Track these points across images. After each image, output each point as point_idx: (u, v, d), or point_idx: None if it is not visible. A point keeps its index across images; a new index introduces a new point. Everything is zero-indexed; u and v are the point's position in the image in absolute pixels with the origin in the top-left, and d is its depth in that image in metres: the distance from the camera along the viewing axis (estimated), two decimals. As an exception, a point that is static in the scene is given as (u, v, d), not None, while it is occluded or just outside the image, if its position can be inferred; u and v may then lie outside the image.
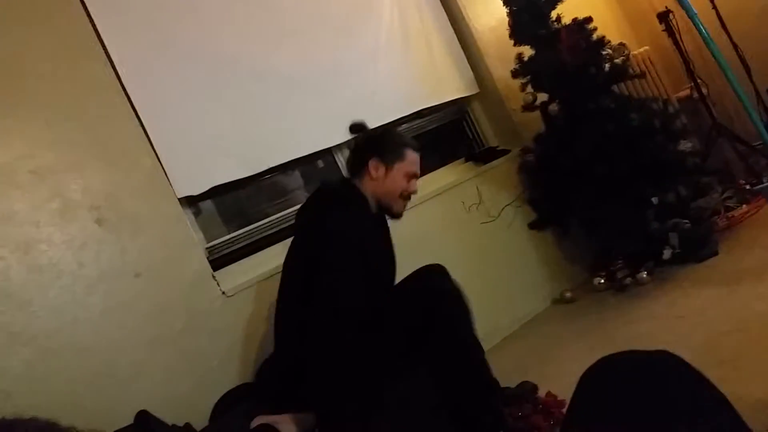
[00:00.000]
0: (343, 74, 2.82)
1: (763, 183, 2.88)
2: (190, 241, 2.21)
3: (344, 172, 2.86)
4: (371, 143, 1.93)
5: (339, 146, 2.82)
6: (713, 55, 2.70)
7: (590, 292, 2.91)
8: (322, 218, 1.74)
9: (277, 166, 2.59)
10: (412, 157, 1.91)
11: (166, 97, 2.35)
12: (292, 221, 2.60)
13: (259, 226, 2.57)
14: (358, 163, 1.91)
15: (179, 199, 2.26)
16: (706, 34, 2.62)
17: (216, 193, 2.46)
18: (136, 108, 2.25)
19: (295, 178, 2.89)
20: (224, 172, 2.42)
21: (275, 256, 2.34)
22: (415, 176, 1.93)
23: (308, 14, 2.79)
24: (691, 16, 2.45)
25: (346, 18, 2.89)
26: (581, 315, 2.73)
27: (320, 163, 2.94)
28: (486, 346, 1.87)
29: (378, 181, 1.86)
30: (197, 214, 2.46)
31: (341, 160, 2.86)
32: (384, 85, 2.95)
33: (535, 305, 2.99)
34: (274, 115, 2.59)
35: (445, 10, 3.28)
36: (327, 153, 2.82)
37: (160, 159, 2.25)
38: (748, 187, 3.15)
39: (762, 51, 3.28)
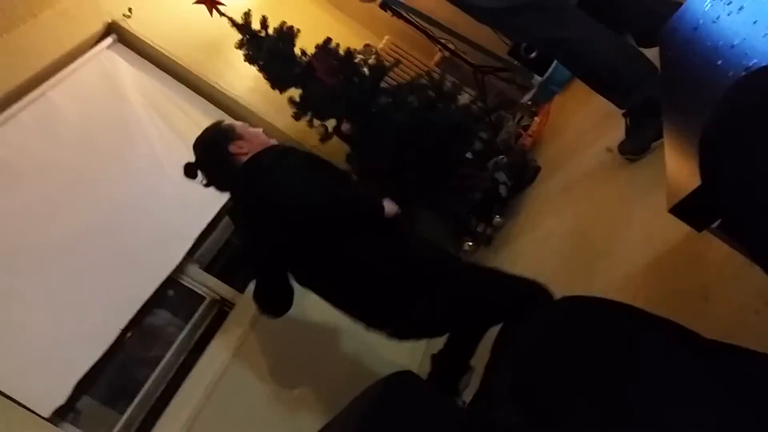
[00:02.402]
0: (141, 199, 2.72)
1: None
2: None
3: (198, 289, 2.76)
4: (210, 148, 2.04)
5: (180, 268, 2.69)
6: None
7: (467, 259, 3.07)
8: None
9: (129, 323, 2.42)
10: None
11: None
12: (180, 364, 2.47)
13: (148, 390, 2.38)
14: (221, 162, 1.99)
15: (49, 418, 2.04)
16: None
17: (86, 385, 2.25)
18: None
19: (158, 319, 2.73)
20: (79, 362, 2.22)
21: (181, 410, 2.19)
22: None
23: (75, 167, 2.64)
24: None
25: (111, 151, 2.78)
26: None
27: (170, 293, 2.80)
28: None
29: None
30: (76, 417, 2.24)
31: (189, 280, 2.75)
32: (187, 185, 2.87)
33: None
34: (98, 276, 2.43)
35: (200, 95, 3.27)
36: (170, 281, 2.68)
37: (6, 391, 2.03)
38: (529, 102, 3.53)
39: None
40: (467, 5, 2.03)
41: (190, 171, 2.08)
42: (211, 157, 2.03)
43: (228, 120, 2.14)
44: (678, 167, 0.78)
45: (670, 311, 1.43)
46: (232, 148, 1.98)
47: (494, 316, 1.76)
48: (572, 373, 0.77)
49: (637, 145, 1.98)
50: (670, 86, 1.01)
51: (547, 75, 2.68)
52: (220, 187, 2.11)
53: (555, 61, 2.60)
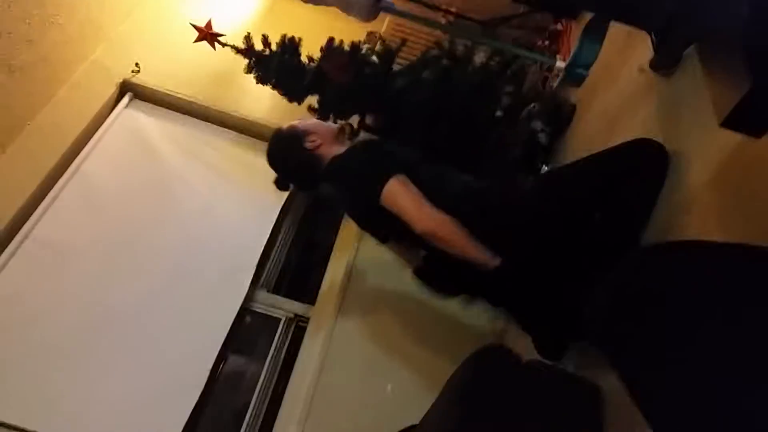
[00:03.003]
0: (195, 243, 2.80)
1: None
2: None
3: (272, 312, 2.81)
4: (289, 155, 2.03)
5: (250, 297, 2.75)
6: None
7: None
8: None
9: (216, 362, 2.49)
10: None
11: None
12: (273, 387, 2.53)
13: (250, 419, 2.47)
14: (305, 163, 1.98)
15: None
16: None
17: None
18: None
19: (240, 357, 2.81)
20: (180, 411, 2.31)
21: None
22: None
23: (124, 230, 2.73)
24: None
25: (156, 206, 2.87)
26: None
27: (248, 319, 2.87)
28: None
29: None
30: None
31: (260, 306, 2.80)
32: (235, 218, 2.93)
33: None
34: (174, 328, 2.52)
35: (225, 127, 3.31)
36: (244, 311, 2.74)
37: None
38: (543, 43, 3.41)
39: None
40: None
41: (281, 184, 2.14)
42: (294, 162, 2.02)
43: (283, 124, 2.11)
44: (718, 79, 0.72)
45: (745, 221, 1.36)
46: (308, 144, 1.97)
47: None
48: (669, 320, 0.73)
49: (669, 58, 1.88)
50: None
51: (570, 58, 2.48)
52: (312, 186, 2.11)
53: (578, 41, 2.40)
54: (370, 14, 2.27)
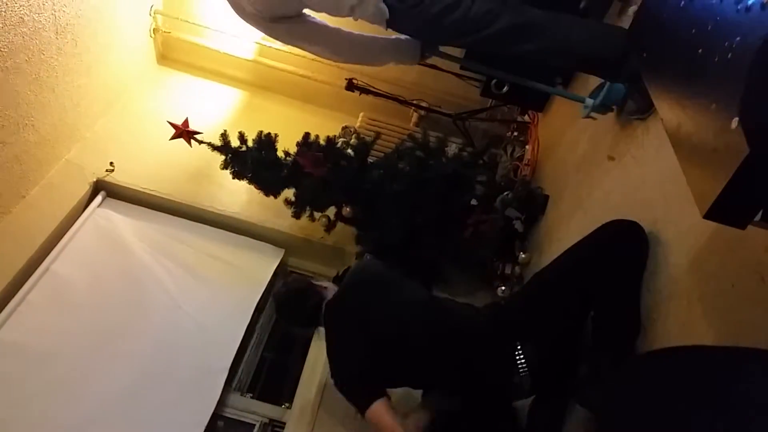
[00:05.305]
0: (166, 344, 2.66)
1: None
2: None
3: (245, 418, 2.66)
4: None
5: (222, 401, 2.60)
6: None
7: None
8: None
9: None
10: None
11: None
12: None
13: None
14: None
15: None
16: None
17: None
18: None
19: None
20: None
21: None
22: None
23: (94, 332, 2.61)
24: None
25: (127, 306, 2.76)
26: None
27: (220, 424, 2.70)
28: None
29: None
30: None
31: (233, 410, 2.66)
32: (208, 319, 2.83)
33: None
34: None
35: (200, 222, 3.27)
36: (216, 416, 2.58)
37: None
38: (512, 134, 3.53)
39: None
40: (437, 29, 2.09)
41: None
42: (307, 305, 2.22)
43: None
44: (697, 171, 0.72)
45: (730, 304, 1.34)
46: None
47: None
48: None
49: (642, 104, 1.99)
50: (659, 86, 0.97)
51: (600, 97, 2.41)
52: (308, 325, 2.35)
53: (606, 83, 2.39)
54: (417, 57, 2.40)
